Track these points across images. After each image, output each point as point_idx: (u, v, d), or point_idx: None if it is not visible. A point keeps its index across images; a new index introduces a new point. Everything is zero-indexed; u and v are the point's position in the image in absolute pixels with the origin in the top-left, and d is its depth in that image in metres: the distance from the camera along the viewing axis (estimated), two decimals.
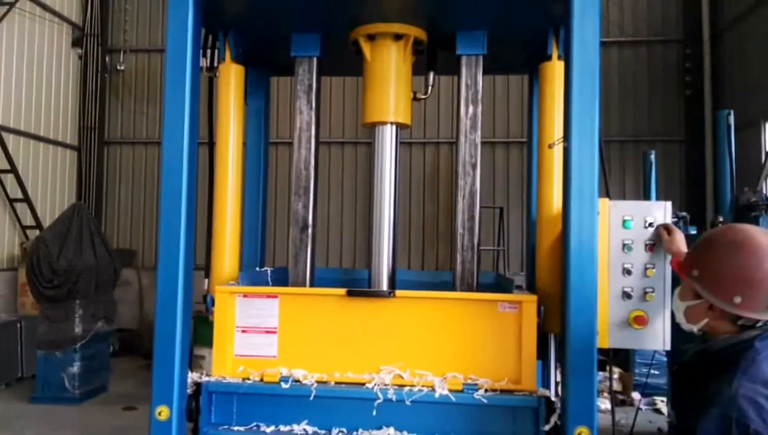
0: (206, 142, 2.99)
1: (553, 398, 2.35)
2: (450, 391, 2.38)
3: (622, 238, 2.50)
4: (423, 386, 2.41)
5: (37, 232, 8.29)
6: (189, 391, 2.46)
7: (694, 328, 1.78)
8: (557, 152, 2.71)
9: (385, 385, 2.42)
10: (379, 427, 2.44)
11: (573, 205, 2.25)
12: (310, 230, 2.82)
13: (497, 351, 2.45)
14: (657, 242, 2.48)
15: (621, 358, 7.34)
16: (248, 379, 2.51)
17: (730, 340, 1.68)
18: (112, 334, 7.79)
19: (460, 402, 2.38)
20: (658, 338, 2.51)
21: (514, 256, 9.50)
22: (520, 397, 2.38)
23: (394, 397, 2.38)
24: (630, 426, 6.07)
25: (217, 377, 2.52)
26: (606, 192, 2.83)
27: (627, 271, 2.50)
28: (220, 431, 2.49)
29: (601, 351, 2.33)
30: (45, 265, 6.80)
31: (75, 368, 6.93)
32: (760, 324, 1.67)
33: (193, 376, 2.50)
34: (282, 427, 2.49)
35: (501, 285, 3.03)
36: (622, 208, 2.53)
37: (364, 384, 2.44)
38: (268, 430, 2.49)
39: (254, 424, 2.52)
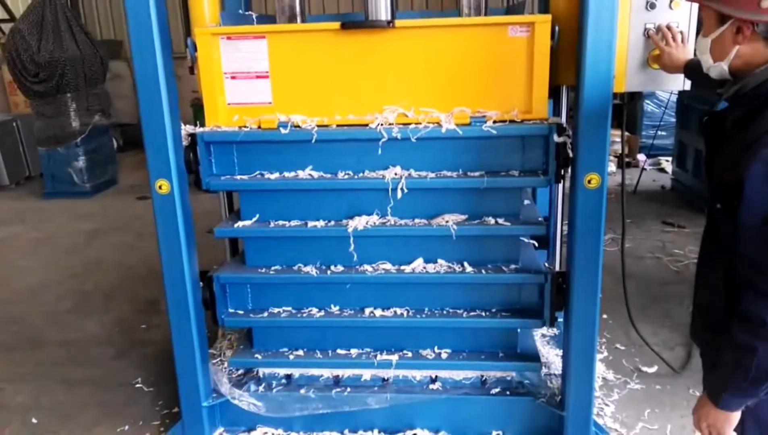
0: None
1: (565, 124, 2.23)
2: (457, 125, 2.26)
3: None
4: (429, 123, 2.28)
5: (11, 25, 7.76)
6: (184, 143, 2.35)
7: (725, 66, 1.49)
8: None
9: (389, 124, 2.29)
10: (385, 168, 2.37)
11: None
12: None
13: (507, 81, 2.27)
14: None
15: (628, 120, 7.24)
16: (245, 126, 2.39)
17: (767, 72, 1.41)
18: (114, 128, 7.69)
19: (467, 136, 2.27)
20: (677, 79, 2.29)
21: None
22: (530, 126, 2.26)
23: (398, 135, 2.27)
24: (634, 185, 6.23)
25: (211, 127, 2.40)
26: None
27: (651, 5, 2.21)
28: (222, 181, 2.44)
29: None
30: (26, 58, 6.46)
31: (81, 163, 6.96)
32: None
33: (187, 129, 2.38)
34: (286, 174, 2.44)
35: (512, 11, 2.75)
36: None
37: (366, 125, 2.32)
38: (272, 176, 2.43)
39: (257, 172, 2.46)
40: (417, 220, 2.45)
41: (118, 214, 6.39)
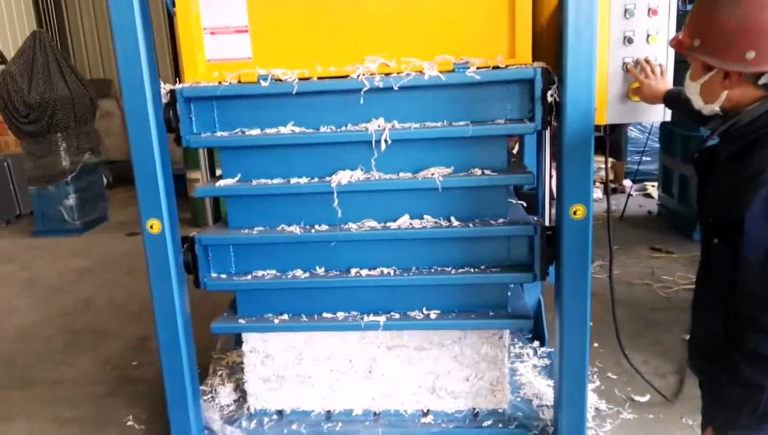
0: None
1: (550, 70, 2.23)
2: (440, 72, 2.25)
3: (624, 3, 2.23)
4: (411, 71, 2.27)
5: (1, 66, 7.83)
6: (164, 100, 2.34)
7: (716, 108, 1.51)
8: None
9: (371, 73, 2.28)
10: (368, 120, 2.35)
11: None
12: None
13: (489, 26, 2.27)
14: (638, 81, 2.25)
15: (613, 146, 7.35)
16: (224, 81, 2.37)
17: (760, 108, 1.42)
18: (104, 165, 7.72)
19: (451, 83, 2.25)
20: (658, 110, 2.36)
21: None
22: (514, 70, 2.25)
23: (381, 84, 2.25)
24: (621, 211, 6.29)
25: (190, 83, 2.38)
26: None
27: (628, 40, 2.28)
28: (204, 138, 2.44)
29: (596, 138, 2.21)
30: (17, 99, 6.51)
31: (71, 200, 6.95)
32: None
33: (166, 86, 2.35)
34: (267, 130, 2.41)
35: None
36: None
37: (348, 76, 2.30)
38: (253, 132, 2.41)
39: (238, 130, 2.44)
40: (402, 175, 2.41)
41: (108, 251, 6.37)
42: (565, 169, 2.23)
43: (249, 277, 2.54)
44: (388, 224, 2.45)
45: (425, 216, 2.47)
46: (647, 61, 2.26)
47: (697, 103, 1.56)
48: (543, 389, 2.86)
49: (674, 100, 2.14)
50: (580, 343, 2.35)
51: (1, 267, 6.05)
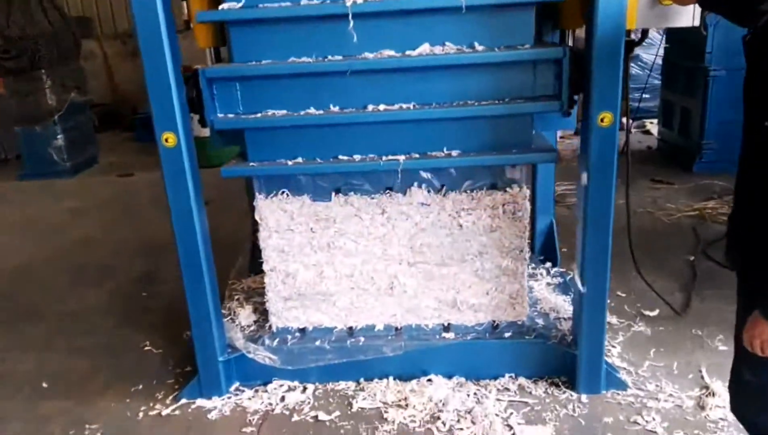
0: None
1: None
2: None
3: None
4: None
5: None
6: None
7: None
8: None
9: None
10: None
11: None
12: None
13: None
14: None
15: None
16: None
17: None
18: (90, 106, 7.51)
19: None
20: (688, 13, 2.31)
21: None
22: None
23: None
24: (622, 146, 6.30)
25: None
26: None
27: None
28: None
29: None
30: None
31: (60, 141, 6.78)
32: None
33: None
34: None
35: None
36: None
37: None
38: None
39: None
40: None
41: (102, 191, 6.27)
42: (595, 74, 2.19)
43: (258, 115, 2.38)
44: (407, 53, 2.31)
45: (446, 43, 2.33)
46: None
47: None
48: (559, 303, 2.91)
49: None
50: (602, 249, 2.37)
51: None
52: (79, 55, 7.04)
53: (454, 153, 2.41)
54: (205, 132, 2.62)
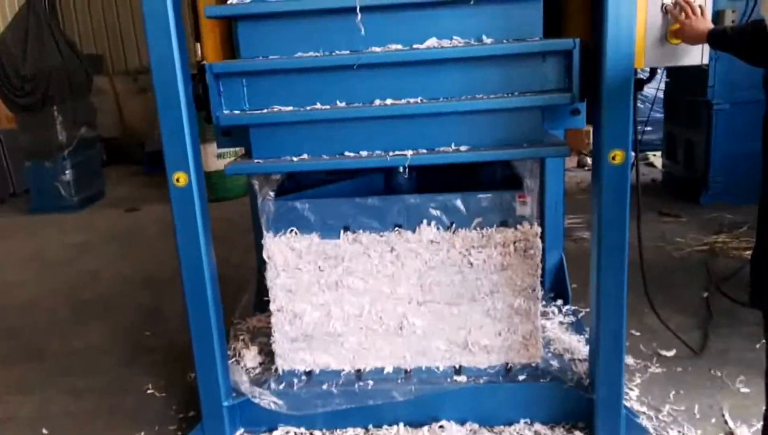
0: None
1: None
2: None
3: None
4: None
5: None
6: None
7: None
8: None
9: None
10: None
11: None
12: None
13: None
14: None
15: None
16: None
17: None
18: (99, 140, 7.56)
19: None
20: (696, 52, 2.29)
21: None
22: None
23: None
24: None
25: None
26: None
27: None
28: None
29: None
30: (11, 72, 6.35)
31: (68, 176, 6.81)
32: None
33: None
34: None
35: None
36: None
37: None
38: None
39: None
40: None
41: (108, 226, 6.26)
42: (605, 112, 2.17)
43: (264, 110, 2.34)
44: (414, 47, 2.28)
45: (455, 37, 2.29)
46: (687, 2, 2.20)
47: None
48: (573, 344, 2.83)
49: (720, 37, 2.08)
50: (618, 287, 2.31)
51: (0, 243, 5.92)
52: (90, 91, 7.11)
53: (463, 148, 2.35)
54: (209, 167, 2.60)
